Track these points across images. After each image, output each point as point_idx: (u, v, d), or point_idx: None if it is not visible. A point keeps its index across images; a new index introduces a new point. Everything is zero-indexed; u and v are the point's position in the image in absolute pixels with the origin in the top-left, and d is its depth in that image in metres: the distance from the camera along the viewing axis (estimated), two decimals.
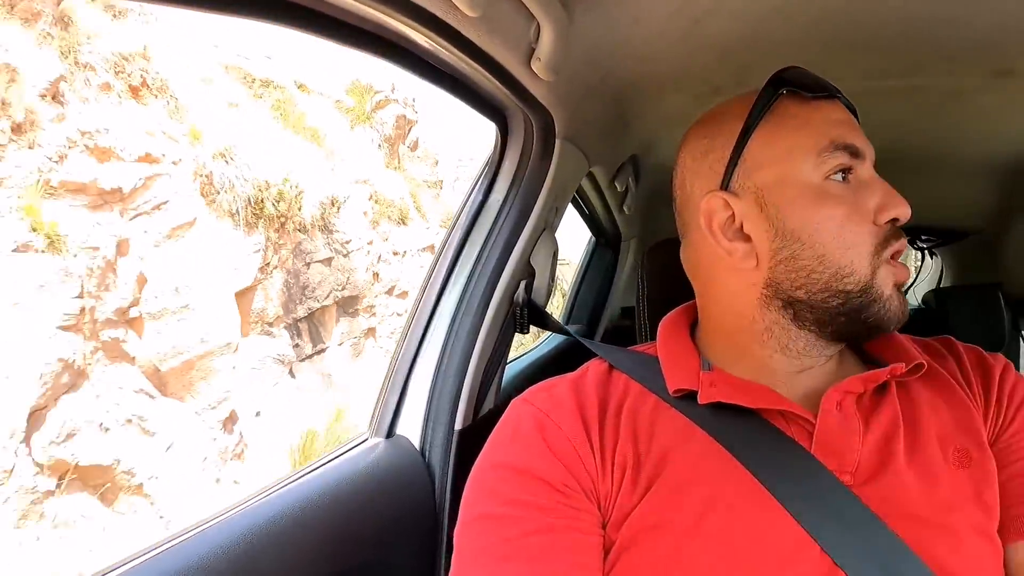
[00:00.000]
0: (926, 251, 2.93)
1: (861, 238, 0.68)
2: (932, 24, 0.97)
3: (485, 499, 0.68)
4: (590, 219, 1.97)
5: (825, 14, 0.94)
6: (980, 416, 0.72)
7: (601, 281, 2.20)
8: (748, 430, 0.68)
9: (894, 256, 0.69)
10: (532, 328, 1.23)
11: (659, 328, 0.83)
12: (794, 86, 0.73)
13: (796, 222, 0.70)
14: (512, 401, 0.76)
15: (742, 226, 0.73)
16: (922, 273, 3.20)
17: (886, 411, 0.70)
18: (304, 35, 0.66)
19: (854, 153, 0.70)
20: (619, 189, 1.66)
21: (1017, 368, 2.09)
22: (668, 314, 0.84)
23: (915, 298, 3.18)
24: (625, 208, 1.82)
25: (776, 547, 0.62)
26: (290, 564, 0.76)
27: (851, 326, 0.70)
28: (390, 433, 1.05)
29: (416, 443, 1.04)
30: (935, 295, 2.46)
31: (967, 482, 0.67)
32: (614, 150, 1.48)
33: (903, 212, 0.68)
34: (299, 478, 0.88)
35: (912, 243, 2.82)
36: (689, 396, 0.72)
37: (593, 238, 2.17)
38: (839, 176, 0.70)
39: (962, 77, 1.17)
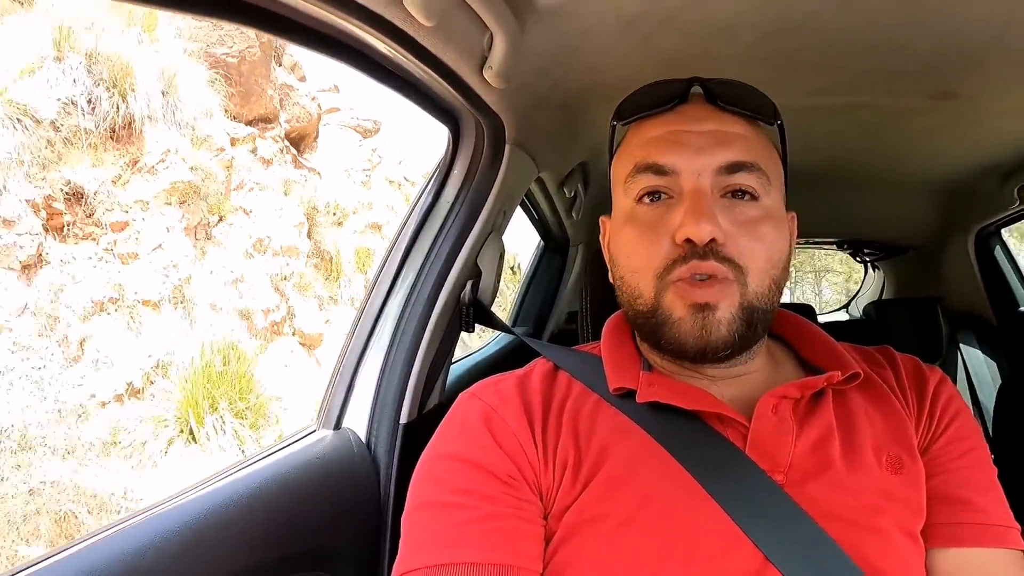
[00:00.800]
0: (868, 264, 3.06)
1: (646, 261, 0.70)
2: (875, 47, 1.02)
3: (433, 487, 0.69)
4: (539, 224, 2.00)
5: (770, 34, 0.99)
6: (913, 425, 0.74)
7: (549, 285, 2.24)
8: (684, 430, 0.70)
9: (683, 279, 0.68)
10: (479, 329, 1.26)
11: (604, 328, 0.85)
12: (616, 117, 0.79)
13: (613, 248, 0.78)
14: (460, 395, 0.78)
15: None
16: (864, 286, 3.33)
17: (821, 417, 0.71)
18: (264, 34, 0.68)
19: (658, 171, 0.71)
20: (568, 195, 1.70)
21: (954, 381, 2.19)
22: (613, 315, 0.86)
23: (857, 309, 3.30)
24: (574, 214, 1.86)
25: (709, 542, 0.64)
26: (238, 550, 0.77)
27: (664, 350, 0.73)
28: (337, 425, 1.07)
29: (362, 436, 1.06)
30: (876, 307, 2.54)
31: (898, 487, 0.69)
32: (563, 157, 1.52)
33: (693, 232, 0.66)
34: (247, 467, 0.89)
35: (855, 256, 2.94)
36: (629, 395, 0.74)
37: (542, 243, 2.21)
38: (647, 199, 0.72)
39: (904, 98, 1.23)
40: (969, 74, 1.10)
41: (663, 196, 0.71)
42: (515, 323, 2.24)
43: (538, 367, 0.81)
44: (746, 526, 0.64)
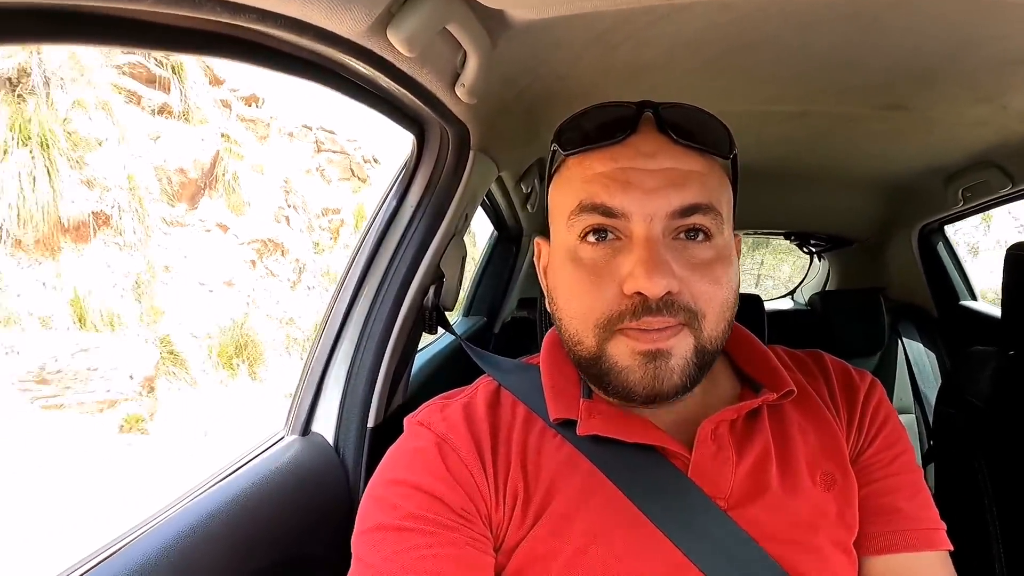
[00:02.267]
0: (814, 254, 3.15)
1: (588, 309, 0.67)
2: (832, 63, 1.07)
3: (385, 511, 0.67)
4: (494, 215, 2.02)
5: (731, 50, 1.03)
6: (844, 437, 0.76)
7: (502, 274, 2.26)
8: (629, 459, 0.70)
9: (628, 330, 0.65)
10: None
11: (543, 345, 0.83)
12: (559, 142, 0.72)
13: (552, 281, 0.74)
14: (406, 422, 0.77)
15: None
16: (809, 275, 3.43)
17: (758, 438, 0.73)
18: (230, 63, 0.68)
19: (606, 213, 0.66)
20: (525, 191, 1.73)
21: (894, 370, 2.25)
22: (552, 331, 0.84)
23: (802, 297, 3.39)
24: (529, 206, 1.89)
25: (656, 572, 0.66)
26: (224, 561, 0.79)
27: (610, 393, 0.70)
28: (305, 431, 1.09)
29: (331, 440, 1.08)
30: (820, 297, 2.62)
31: (831, 503, 0.71)
32: (522, 155, 1.55)
33: (646, 286, 0.62)
34: (224, 478, 0.90)
35: (801, 246, 3.02)
36: (571, 422, 0.72)
37: (496, 232, 2.23)
38: (592, 237, 0.67)
39: (853, 107, 1.29)
40: (921, 89, 1.16)
41: (609, 235, 0.67)
42: (470, 311, 2.27)
43: (482, 388, 0.80)
44: (690, 552, 0.66)
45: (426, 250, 1.15)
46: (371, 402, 1.10)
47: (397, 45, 0.68)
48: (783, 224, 2.72)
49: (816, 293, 2.77)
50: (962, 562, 0.76)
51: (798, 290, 3.52)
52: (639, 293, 0.63)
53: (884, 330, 2.33)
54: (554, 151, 0.74)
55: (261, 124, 10.80)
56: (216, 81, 10.01)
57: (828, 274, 3.07)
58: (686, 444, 0.71)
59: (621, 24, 0.93)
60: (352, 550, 0.68)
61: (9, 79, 7.11)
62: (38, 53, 7.23)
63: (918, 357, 2.31)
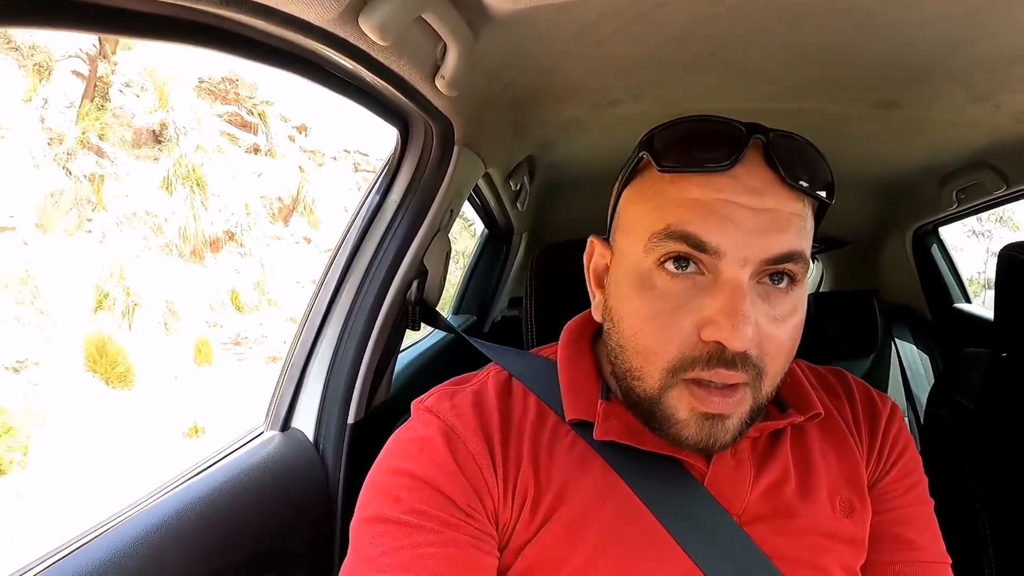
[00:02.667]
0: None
1: (659, 348, 0.61)
2: (823, 59, 1.05)
3: (388, 502, 0.65)
4: (483, 213, 2.01)
5: (720, 45, 1.02)
6: (864, 462, 0.75)
7: (492, 272, 2.25)
8: (645, 464, 0.68)
9: (700, 382, 0.60)
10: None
11: (562, 336, 0.80)
12: (652, 152, 0.63)
13: (614, 300, 0.68)
14: (413, 406, 0.74)
15: (606, 281, 0.72)
16: None
17: (779, 458, 0.70)
18: (213, 52, 0.67)
19: (697, 246, 0.59)
20: (514, 188, 1.72)
21: (887, 373, 2.23)
22: (573, 320, 0.81)
23: None
24: (519, 204, 1.88)
25: None
26: (194, 558, 0.78)
27: (654, 431, 0.65)
28: (285, 426, 1.08)
29: (310, 436, 1.07)
30: (814, 299, 2.57)
31: (848, 529, 0.70)
32: (510, 152, 1.54)
33: (730, 340, 0.57)
34: (200, 472, 0.89)
35: None
36: (587, 423, 0.70)
37: (486, 230, 2.22)
38: (672, 265, 0.61)
39: (846, 105, 1.27)
40: (914, 87, 1.15)
41: (691, 267, 0.60)
42: (459, 309, 2.26)
43: (492, 377, 0.77)
44: (703, 564, 0.64)
45: (409, 245, 1.14)
46: (352, 398, 1.09)
47: (369, 33, 0.67)
48: None
49: (810, 294, 2.75)
50: (953, 566, 0.75)
51: None
52: (717, 342, 0.58)
53: (878, 332, 2.31)
54: (641, 156, 0.66)
55: (319, 153, 14.82)
56: (284, 119, 13.82)
57: (822, 276, 3.05)
58: (704, 457, 0.69)
59: (607, 17, 0.91)
60: (350, 536, 0.66)
61: (154, 131, 10.93)
62: (171, 110, 11.08)
63: (911, 359, 2.29)
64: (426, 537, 0.62)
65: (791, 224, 0.61)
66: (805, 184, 0.62)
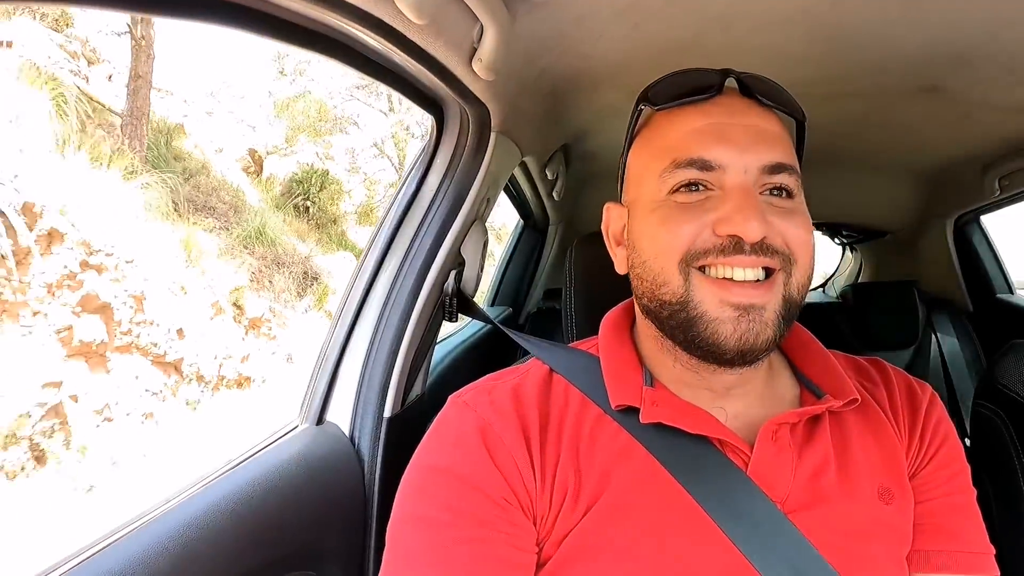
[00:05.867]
0: (846, 246, 3.07)
1: (673, 242, 0.65)
2: (865, 41, 1.02)
3: (423, 500, 0.66)
4: (519, 204, 1.99)
5: (760, 26, 0.98)
6: (904, 450, 0.74)
7: (528, 263, 2.23)
8: (689, 451, 0.68)
9: (714, 266, 0.65)
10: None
11: (601, 328, 0.81)
12: (648, 101, 0.72)
13: (635, 236, 0.73)
14: (451, 400, 0.74)
15: (625, 234, 0.76)
16: (841, 268, 3.34)
17: (819, 444, 0.70)
18: (248, 35, 0.65)
19: (703, 166, 0.66)
20: (550, 178, 1.69)
21: (927, 365, 2.19)
22: (611, 311, 0.83)
23: (834, 291, 3.31)
24: (554, 194, 1.85)
25: (712, 568, 0.64)
26: (229, 557, 0.76)
27: (693, 349, 0.67)
28: (320, 420, 1.06)
29: (345, 430, 1.05)
30: (853, 290, 2.54)
31: (889, 516, 0.69)
32: (546, 140, 1.51)
33: (742, 229, 0.62)
34: (233, 467, 0.88)
35: (832, 238, 2.94)
36: (631, 410, 0.71)
37: (521, 221, 2.19)
38: (684, 189, 0.67)
39: (888, 90, 1.24)
40: (957, 70, 1.10)
41: (701, 188, 0.67)
42: (494, 301, 2.24)
43: (533, 370, 0.77)
44: (748, 551, 0.64)
45: (446, 235, 1.12)
46: (388, 391, 1.07)
47: (405, 10, 0.65)
48: (813, 214, 2.60)
49: (848, 285, 2.69)
50: (998, 558, 0.73)
51: (829, 283, 3.43)
52: (732, 235, 0.63)
53: (918, 323, 2.26)
54: (639, 110, 0.75)
55: None
56: None
57: (860, 266, 2.98)
58: (747, 442, 0.69)
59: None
60: (387, 535, 0.66)
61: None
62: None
63: (952, 352, 2.23)
64: (460, 534, 0.63)
65: (776, 140, 0.69)
66: (777, 105, 0.71)
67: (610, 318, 0.82)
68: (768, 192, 0.67)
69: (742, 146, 0.66)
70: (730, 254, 0.63)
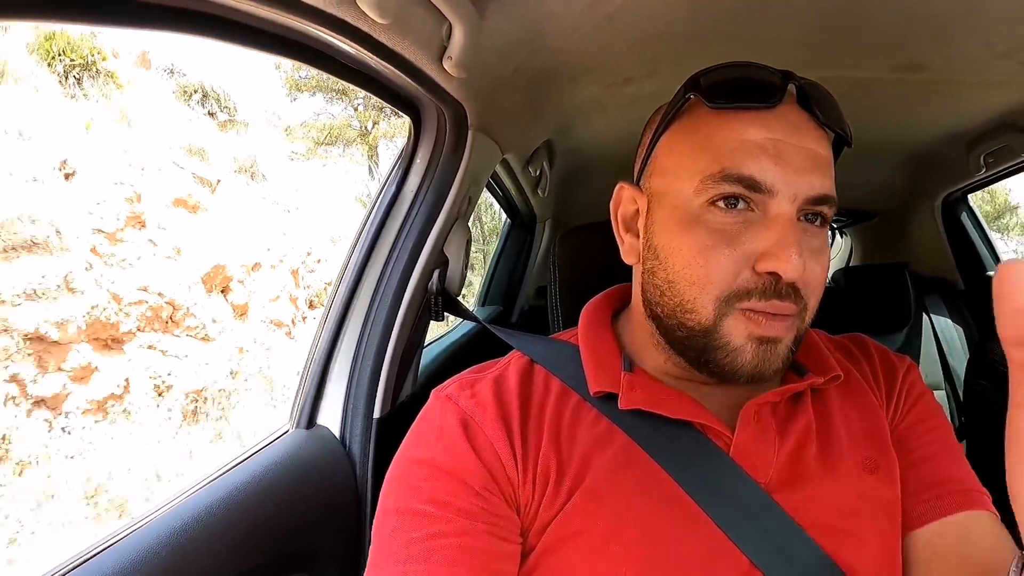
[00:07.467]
0: (836, 230, 3.07)
1: (715, 279, 0.63)
2: (842, 21, 1.02)
3: (405, 493, 0.66)
4: (505, 202, 1.99)
5: (733, 11, 0.98)
6: (885, 417, 0.74)
7: (517, 261, 2.23)
8: (669, 435, 0.68)
9: (754, 311, 0.63)
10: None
11: (581, 316, 0.81)
12: (700, 92, 0.66)
13: (660, 239, 0.69)
14: (433, 394, 0.75)
15: (637, 221, 0.74)
16: (831, 252, 3.34)
17: (800, 421, 0.70)
18: (217, 43, 0.66)
19: (752, 187, 0.62)
20: (533, 174, 1.69)
21: (921, 346, 2.18)
22: (591, 300, 0.83)
23: (826, 275, 3.30)
24: (539, 191, 1.85)
25: (695, 551, 0.63)
26: (222, 560, 0.77)
27: (702, 368, 0.67)
28: (310, 424, 1.06)
29: (336, 433, 1.05)
30: (844, 274, 2.53)
31: (874, 486, 0.69)
32: (527, 137, 1.51)
33: (784, 269, 0.60)
34: (223, 473, 0.88)
35: None
36: (611, 397, 0.71)
37: (508, 220, 2.20)
38: (723, 204, 0.63)
39: (868, 70, 1.23)
40: (937, 47, 1.10)
41: (741, 204, 0.63)
42: (485, 301, 2.24)
43: (514, 362, 0.77)
44: (732, 533, 0.64)
45: (428, 234, 1.12)
46: (377, 392, 1.07)
47: (367, 10, 0.65)
48: None
49: (840, 270, 2.70)
50: None
51: None
52: (772, 273, 0.61)
53: (911, 305, 2.25)
54: (687, 97, 0.68)
55: None
56: None
57: (851, 250, 2.99)
58: (728, 425, 0.69)
59: None
60: (373, 530, 0.67)
61: None
62: None
63: (946, 331, 2.23)
64: (443, 527, 0.62)
65: (827, 167, 0.65)
66: (834, 127, 0.66)
67: (589, 308, 0.82)
68: (804, 217, 0.65)
69: (796, 172, 0.62)
70: (770, 297, 0.62)
